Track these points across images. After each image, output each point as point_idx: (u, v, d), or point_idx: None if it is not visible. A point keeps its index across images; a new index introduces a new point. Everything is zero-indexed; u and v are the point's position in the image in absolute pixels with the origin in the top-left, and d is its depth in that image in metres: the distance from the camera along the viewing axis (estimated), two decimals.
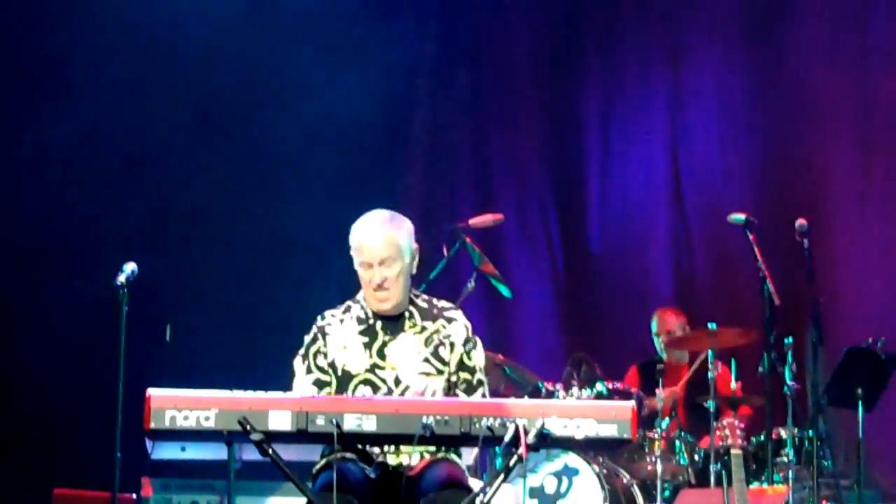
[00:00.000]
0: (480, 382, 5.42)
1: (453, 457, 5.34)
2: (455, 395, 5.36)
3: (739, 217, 7.97)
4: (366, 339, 5.38)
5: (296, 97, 10.04)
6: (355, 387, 5.31)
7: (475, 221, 7.86)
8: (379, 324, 5.40)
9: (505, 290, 8.12)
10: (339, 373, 5.33)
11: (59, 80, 9.65)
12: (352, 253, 5.41)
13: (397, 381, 5.32)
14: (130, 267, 6.16)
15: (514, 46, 11.07)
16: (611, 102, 11.04)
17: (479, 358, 5.44)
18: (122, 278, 6.10)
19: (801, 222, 7.75)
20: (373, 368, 5.33)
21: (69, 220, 9.48)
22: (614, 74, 11.03)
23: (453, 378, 5.37)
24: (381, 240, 5.33)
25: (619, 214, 10.91)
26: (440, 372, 5.35)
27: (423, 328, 5.40)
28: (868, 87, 10.31)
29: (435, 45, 10.87)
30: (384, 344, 5.37)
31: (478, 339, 5.48)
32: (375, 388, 5.29)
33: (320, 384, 5.33)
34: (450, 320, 5.44)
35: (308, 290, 9.08)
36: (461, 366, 5.39)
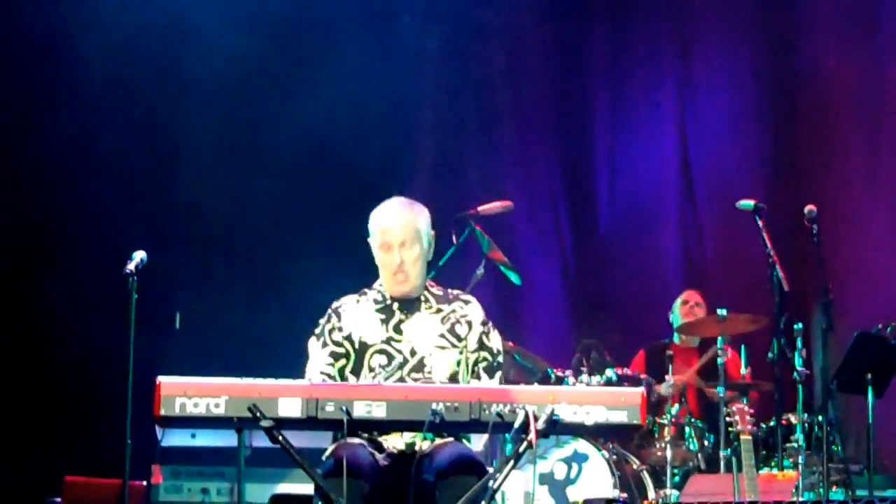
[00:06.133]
0: (500, 365, 5.50)
1: (464, 441, 5.37)
2: (476, 373, 5.42)
3: (748, 203, 7.93)
4: (383, 316, 5.46)
5: (302, 89, 10.04)
6: (371, 356, 5.38)
7: (484, 209, 7.84)
8: (396, 304, 5.48)
9: (514, 278, 8.11)
10: (357, 345, 5.40)
11: (69, 70, 9.65)
12: (370, 239, 5.48)
13: (413, 352, 5.39)
14: (140, 255, 6.14)
15: (522, 32, 11.06)
16: (620, 87, 11.03)
17: (497, 341, 5.52)
18: (131, 266, 6.09)
19: (810, 208, 7.73)
20: (388, 341, 5.42)
21: (79, 208, 9.49)
22: (623, 60, 11.03)
23: (473, 356, 5.44)
24: (402, 222, 5.41)
25: (628, 201, 10.91)
26: (454, 346, 5.43)
27: (440, 310, 5.49)
28: (878, 75, 10.30)
29: (442, 31, 10.85)
30: (400, 321, 5.46)
31: (491, 324, 5.53)
32: (390, 357, 5.37)
33: (336, 356, 5.39)
34: (466, 302, 5.55)
35: (318, 278, 9.07)
36: (482, 345, 5.46)
